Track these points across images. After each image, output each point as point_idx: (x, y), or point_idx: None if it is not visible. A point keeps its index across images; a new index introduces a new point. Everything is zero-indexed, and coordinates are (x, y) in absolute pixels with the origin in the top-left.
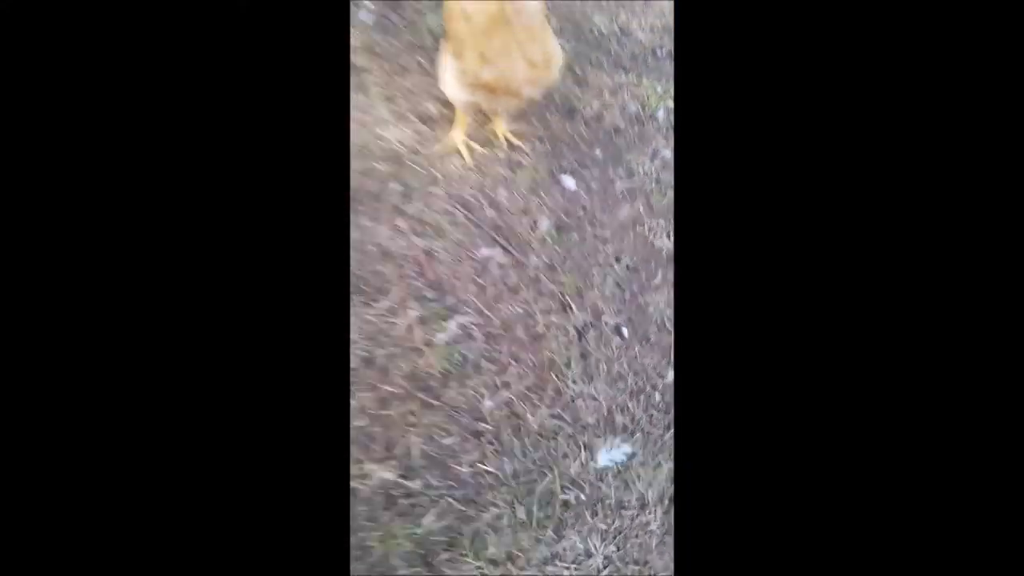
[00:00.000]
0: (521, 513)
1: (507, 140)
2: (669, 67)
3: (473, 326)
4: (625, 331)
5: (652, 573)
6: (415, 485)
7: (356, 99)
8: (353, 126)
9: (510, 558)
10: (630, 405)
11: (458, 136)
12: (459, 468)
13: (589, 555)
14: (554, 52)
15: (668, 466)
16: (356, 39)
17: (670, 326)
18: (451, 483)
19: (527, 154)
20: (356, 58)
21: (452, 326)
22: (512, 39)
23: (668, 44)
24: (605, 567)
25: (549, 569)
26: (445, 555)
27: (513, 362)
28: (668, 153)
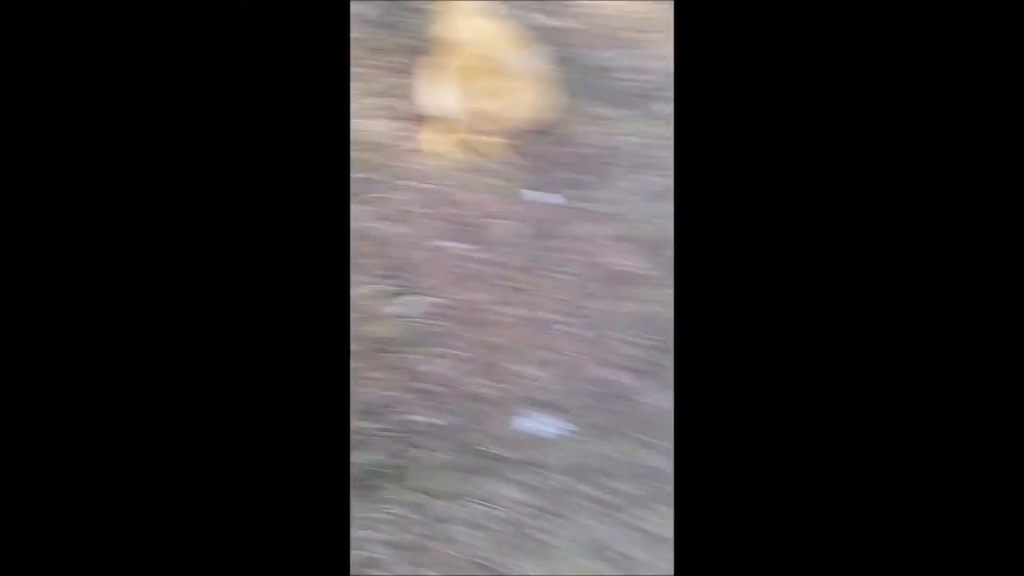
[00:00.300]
0: (448, 456)
1: (484, 149)
2: (656, 107)
3: (428, 304)
4: (568, 329)
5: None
6: (362, 425)
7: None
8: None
9: (435, 493)
10: (563, 389)
11: (439, 139)
12: (400, 417)
13: (505, 501)
14: (551, 98)
15: (593, 446)
16: (354, 32)
17: (618, 333)
18: (390, 428)
19: (502, 163)
20: (353, 51)
21: (405, 301)
22: (513, 80)
23: (661, 85)
24: (519, 512)
25: (468, 504)
26: (383, 483)
27: (458, 338)
28: (632, 184)
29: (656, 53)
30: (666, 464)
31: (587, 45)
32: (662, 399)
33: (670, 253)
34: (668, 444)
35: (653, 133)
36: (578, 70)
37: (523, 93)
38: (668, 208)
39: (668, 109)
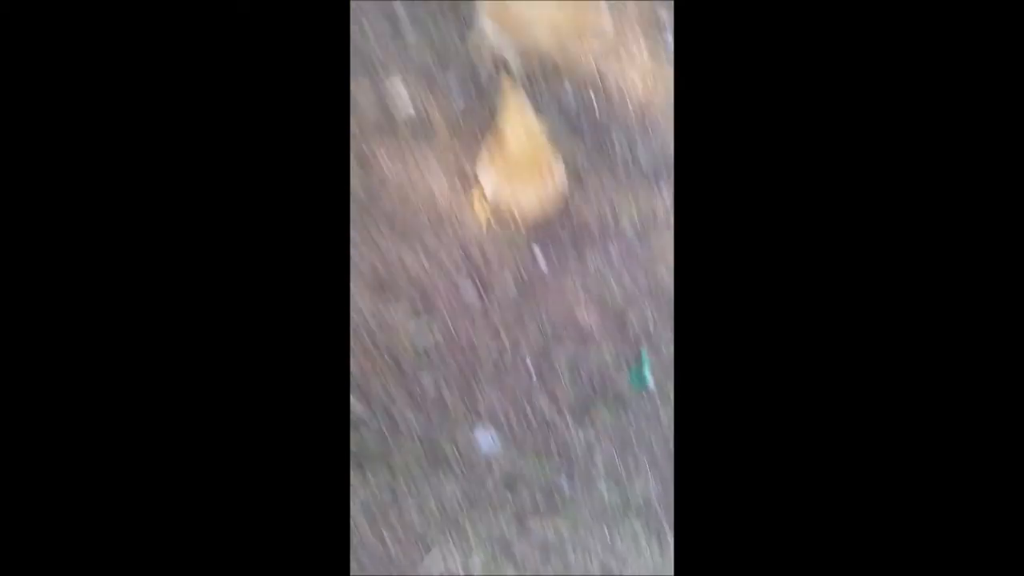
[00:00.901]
0: (421, 448)
1: (510, 216)
2: (657, 186)
3: (435, 329)
4: (530, 365)
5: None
6: (359, 408)
7: (415, 155)
8: (400, 175)
9: (403, 471)
10: (507, 410)
11: (479, 202)
12: (394, 410)
13: (447, 487)
14: (565, 183)
15: (518, 463)
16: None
17: (567, 376)
18: (386, 417)
19: (520, 229)
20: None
21: (419, 322)
22: (540, 173)
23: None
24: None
25: (421, 486)
26: (368, 457)
27: (449, 360)
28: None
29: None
30: (567, 485)
31: (605, 128)
32: (584, 435)
33: (628, 317)
34: (575, 470)
35: (645, 211)
36: (596, 152)
37: (546, 184)
38: (637, 276)
39: (667, 188)
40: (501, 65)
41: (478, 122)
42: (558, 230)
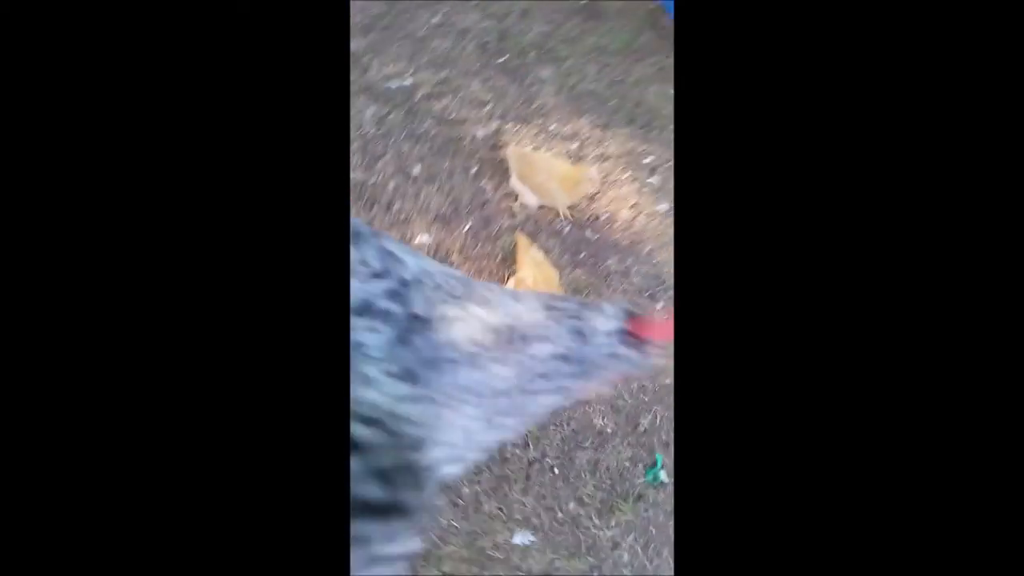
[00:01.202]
0: (463, 551)
1: None
2: (657, 304)
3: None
4: (556, 470)
5: None
6: None
7: None
8: None
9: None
10: (544, 514)
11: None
12: (438, 518)
13: None
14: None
15: (551, 556)
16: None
17: (590, 478)
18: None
19: None
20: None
21: None
22: None
23: (661, 284)
24: None
25: None
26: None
27: (485, 469)
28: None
29: (659, 260)
30: None
31: (603, 255)
32: (610, 531)
33: (639, 419)
34: (600, 562)
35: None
36: (594, 273)
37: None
38: (649, 386)
39: (661, 302)
40: (519, 210)
41: (489, 258)
42: None
